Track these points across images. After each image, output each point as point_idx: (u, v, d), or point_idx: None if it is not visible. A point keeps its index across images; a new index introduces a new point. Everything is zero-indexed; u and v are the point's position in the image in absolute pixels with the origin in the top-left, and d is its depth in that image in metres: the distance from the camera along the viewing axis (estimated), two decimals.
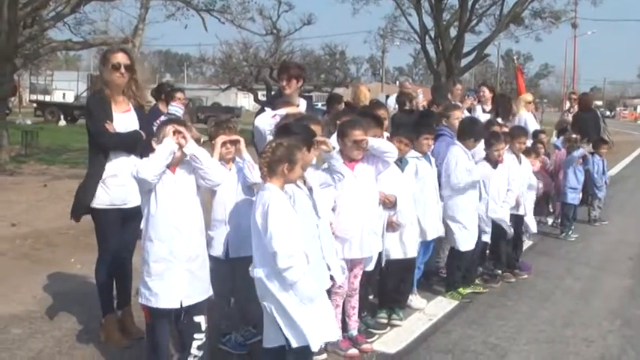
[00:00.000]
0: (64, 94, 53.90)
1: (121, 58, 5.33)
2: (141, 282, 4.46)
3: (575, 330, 6.08)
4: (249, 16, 29.37)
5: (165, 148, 4.25)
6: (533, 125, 10.78)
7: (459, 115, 7.34)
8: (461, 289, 6.82)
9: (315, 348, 4.10)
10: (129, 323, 5.57)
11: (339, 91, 40.52)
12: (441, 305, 6.64)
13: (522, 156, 7.70)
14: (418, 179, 6.25)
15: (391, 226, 5.83)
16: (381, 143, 5.44)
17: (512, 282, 7.57)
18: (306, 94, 34.36)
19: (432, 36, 28.47)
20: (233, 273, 5.15)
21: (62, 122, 37.31)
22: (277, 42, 31.88)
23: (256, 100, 33.11)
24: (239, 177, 5.06)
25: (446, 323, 6.16)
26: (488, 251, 7.68)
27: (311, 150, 4.57)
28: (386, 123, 6.35)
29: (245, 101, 56.76)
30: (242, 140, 4.89)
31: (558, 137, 11.49)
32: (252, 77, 32.46)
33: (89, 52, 59.00)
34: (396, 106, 9.97)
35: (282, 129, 4.76)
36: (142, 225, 4.50)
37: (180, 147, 4.30)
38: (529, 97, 12.01)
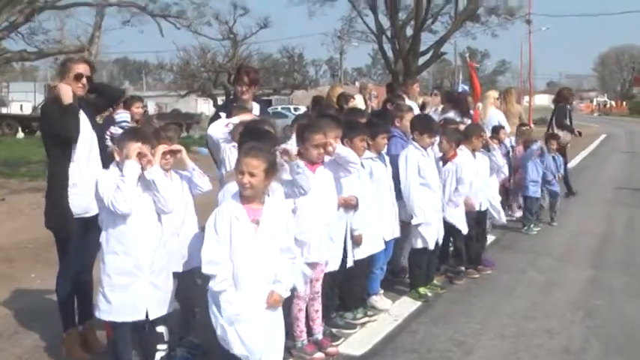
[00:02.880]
0: (21, 106, 52.78)
1: (83, 69, 5.30)
2: (100, 296, 4.40)
3: (538, 322, 6.14)
4: (205, 21, 29.29)
5: (132, 173, 4.25)
6: (504, 123, 10.94)
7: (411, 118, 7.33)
8: (420, 289, 6.83)
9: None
10: (91, 338, 5.48)
11: (298, 94, 40.67)
12: (406, 305, 6.64)
13: (479, 153, 7.72)
14: (373, 180, 6.25)
15: (356, 242, 5.87)
16: (349, 153, 5.44)
17: (477, 278, 7.62)
18: (266, 98, 34.33)
19: (389, 35, 28.64)
20: (194, 283, 5.11)
21: (20, 134, 36.59)
22: (234, 46, 31.78)
23: (215, 105, 32.95)
24: (184, 187, 4.98)
25: (411, 322, 6.17)
26: (451, 249, 7.74)
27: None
28: None
29: (205, 107, 56.37)
30: (183, 150, 4.82)
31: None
32: (210, 83, 32.29)
33: (45, 62, 58.08)
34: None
35: (249, 132, 4.71)
36: (102, 238, 4.43)
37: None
38: (495, 93, 12.18)
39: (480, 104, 12.06)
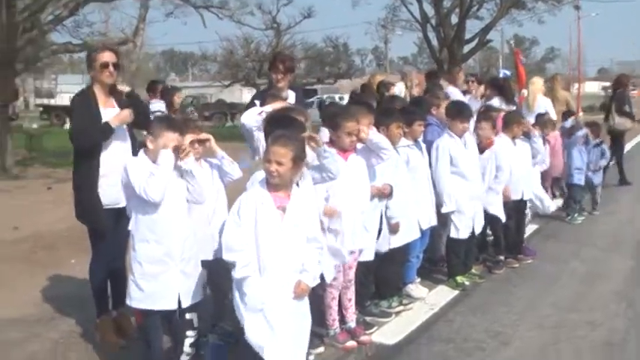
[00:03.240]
0: (70, 97, 53.90)
1: (108, 57, 5.29)
2: (132, 284, 4.38)
3: (580, 314, 5.96)
4: (248, 11, 29.34)
5: (167, 163, 4.25)
6: (551, 110, 10.73)
7: None
8: (458, 278, 6.71)
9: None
10: (125, 323, 5.49)
11: (343, 83, 40.42)
12: (443, 294, 6.53)
13: (520, 140, 7.52)
14: (409, 168, 6.14)
15: (393, 230, 5.79)
16: (381, 139, 5.35)
17: (516, 267, 7.45)
18: (311, 87, 34.17)
19: (434, 24, 28.33)
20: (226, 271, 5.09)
21: (67, 125, 37.30)
22: (278, 36, 31.76)
23: None
24: (214, 175, 4.93)
25: (448, 312, 6.06)
26: (490, 238, 7.58)
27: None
28: None
29: (249, 96, 56.52)
30: (212, 138, 4.78)
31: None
32: (254, 72, 32.34)
33: None
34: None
35: (275, 120, 4.65)
36: (131, 226, 4.42)
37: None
38: (541, 80, 11.91)
39: (525, 91, 11.83)
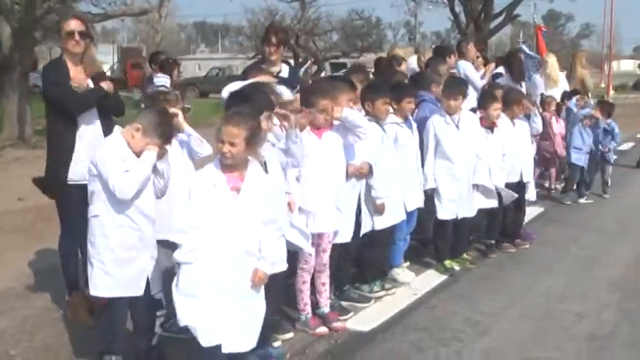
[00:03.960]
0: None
1: (73, 25, 5.16)
2: (99, 273, 4.14)
3: (570, 304, 5.70)
4: None
5: (147, 166, 4.06)
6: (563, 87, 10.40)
7: None
8: (447, 262, 6.48)
9: (203, 343, 3.75)
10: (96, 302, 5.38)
11: (368, 57, 39.92)
12: (430, 279, 6.31)
13: (520, 119, 7.22)
14: (397, 147, 5.90)
15: (378, 211, 5.61)
16: (356, 117, 5.11)
17: (513, 252, 7.19)
18: (336, 61, 33.77)
19: None
20: None
21: None
22: (303, 8, 31.40)
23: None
24: (183, 153, 4.74)
25: (431, 298, 5.84)
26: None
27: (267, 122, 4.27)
28: None
29: None
30: (179, 114, 4.58)
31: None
32: None
33: (124, 25, 59.23)
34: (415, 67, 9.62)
35: (235, 95, 4.45)
36: (99, 212, 4.19)
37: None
38: (553, 57, 11.51)
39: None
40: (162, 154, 4.16)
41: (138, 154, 4.10)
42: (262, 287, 3.95)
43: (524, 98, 7.17)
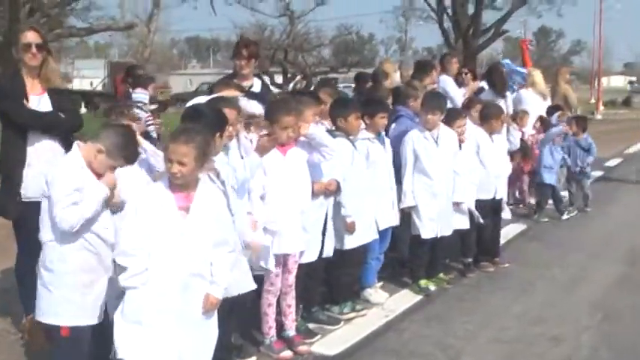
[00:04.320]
0: (91, 82, 54.07)
1: (30, 37, 4.95)
2: (59, 300, 3.85)
3: (547, 326, 5.49)
4: None
5: (95, 202, 3.79)
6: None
7: None
8: (422, 282, 6.26)
9: None
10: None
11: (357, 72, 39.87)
12: (404, 300, 6.08)
13: (499, 135, 7.04)
14: (369, 163, 5.71)
15: (348, 230, 5.42)
16: (322, 135, 4.92)
17: (491, 272, 6.98)
18: (325, 76, 33.74)
19: (450, 13, 27.77)
20: None
21: (82, 109, 37.26)
22: (292, 24, 31.25)
23: (272, 83, 32.68)
24: (142, 171, 4.52)
25: (403, 320, 5.62)
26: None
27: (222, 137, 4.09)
28: None
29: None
30: (135, 126, 4.37)
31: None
32: (267, 60, 31.87)
33: (115, 41, 59.12)
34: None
35: (190, 112, 4.25)
36: (52, 236, 3.92)
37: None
38: (538, 73, 11.40)
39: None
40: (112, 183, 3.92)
41: (100, 176, 3.88)
42: (215, 312, 3.73)
43: (501, 113, 6.97)
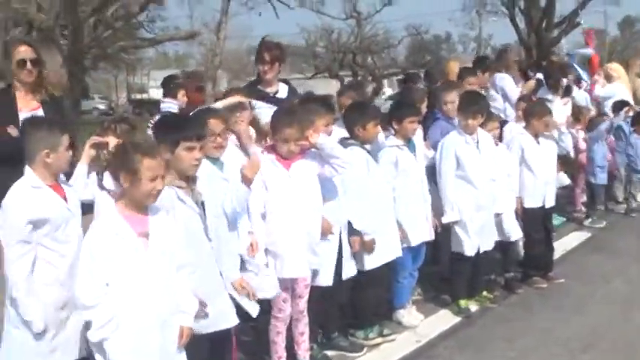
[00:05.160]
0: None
1: (24, 53, 4.70)
2: (26, 336, 3.54)
3: (598, 354, 4.86)
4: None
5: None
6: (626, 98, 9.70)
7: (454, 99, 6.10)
8: (462, 302, 5.70)
9: None
10: None
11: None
12: (440, 322, 5.53)
13: (544, 139, 6.37)
14: (399, 172, 5.21)
15: (367, 249, 4.92)
16: (334, 147, 4.44)
17: (544, 288, 6.32)
18: (412, 72, 33.24)
19: (522, 7, 26.79)
20: None
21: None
22: (359, 26, 30.84)
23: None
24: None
25: (436, 345, 5.09)
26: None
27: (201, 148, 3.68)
28: None
29: (336, 88, 56.40)
30: (112, 142, 4.01)
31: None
32: (336, 64, 31.60)
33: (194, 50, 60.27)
34: None
35: (160, 122, 3.90)
36: (19, 273, 3.53)
37: None
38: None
39: (597, 77, 10.59)
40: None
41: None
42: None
43: (545, 113, 6.27)
